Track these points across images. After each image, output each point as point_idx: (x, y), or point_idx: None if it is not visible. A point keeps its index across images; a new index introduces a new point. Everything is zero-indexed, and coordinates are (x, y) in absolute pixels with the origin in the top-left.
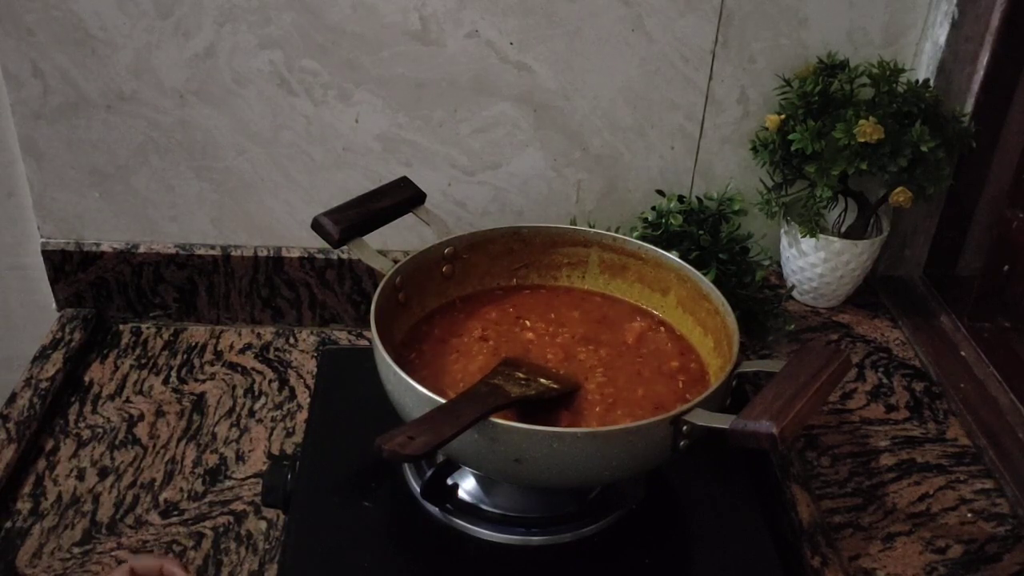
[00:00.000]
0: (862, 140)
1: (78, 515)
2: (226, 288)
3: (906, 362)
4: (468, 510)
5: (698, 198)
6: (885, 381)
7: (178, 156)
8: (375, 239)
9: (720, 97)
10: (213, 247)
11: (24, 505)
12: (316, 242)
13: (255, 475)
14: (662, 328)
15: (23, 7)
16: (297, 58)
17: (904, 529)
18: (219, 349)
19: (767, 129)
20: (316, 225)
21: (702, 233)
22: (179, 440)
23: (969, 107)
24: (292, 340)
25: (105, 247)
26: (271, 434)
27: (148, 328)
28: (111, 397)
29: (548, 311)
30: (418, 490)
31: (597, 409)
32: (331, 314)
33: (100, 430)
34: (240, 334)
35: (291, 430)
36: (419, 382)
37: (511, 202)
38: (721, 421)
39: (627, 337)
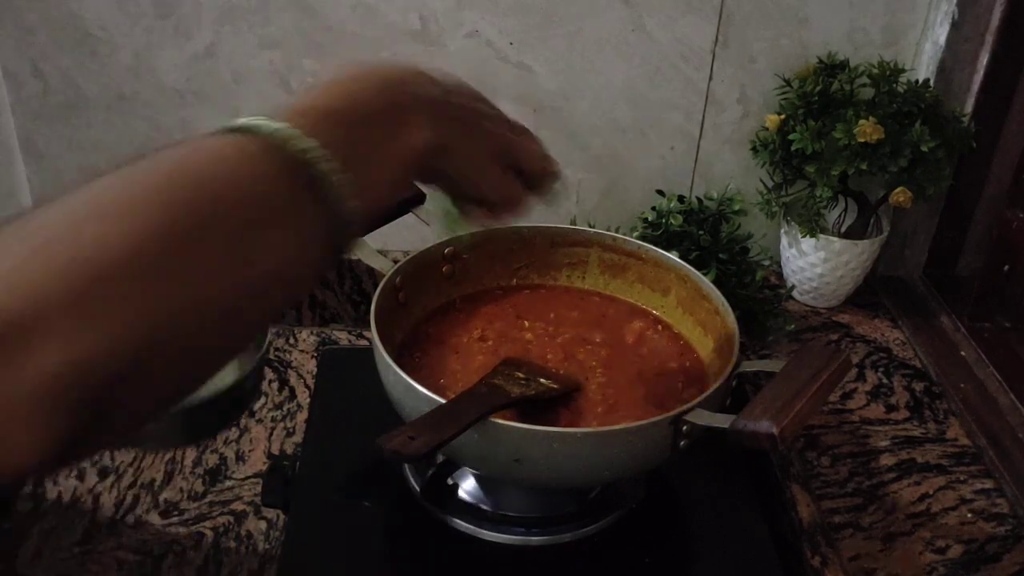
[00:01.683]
0: (862, 140)
1: (78, 515)
2: None
3: (906, 362)
4: (468, 510)
5: (698, 198)
6: (885, 381)
7: None
8: (375, 239)
9: (720, 97)
10: None
11: (24, 506)
12: None
13: (255, 475)
14: (662, 328)
15: (23, 7)
16: (297, 58)
17: (904, 529)
18: None
19: (767, 129)
20: None
21: (702, 233)
22: None
23: (969, 107)
24: (292, 340)
25: None
26: (271, 434)
27: None
28: None
29: (548, 311)
30: (418, 490)
31: (597, 409)
32: (331, 314)
33: None
34: None
35: (291, 430)
36: (419, 382)
37: None
38: (721, 421)
39: (627, 337)
